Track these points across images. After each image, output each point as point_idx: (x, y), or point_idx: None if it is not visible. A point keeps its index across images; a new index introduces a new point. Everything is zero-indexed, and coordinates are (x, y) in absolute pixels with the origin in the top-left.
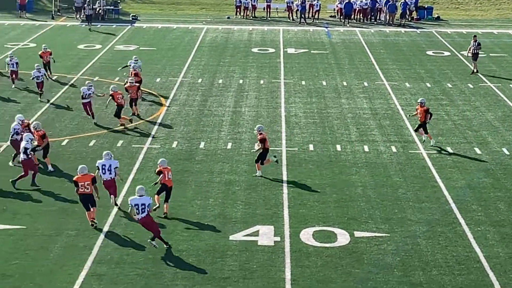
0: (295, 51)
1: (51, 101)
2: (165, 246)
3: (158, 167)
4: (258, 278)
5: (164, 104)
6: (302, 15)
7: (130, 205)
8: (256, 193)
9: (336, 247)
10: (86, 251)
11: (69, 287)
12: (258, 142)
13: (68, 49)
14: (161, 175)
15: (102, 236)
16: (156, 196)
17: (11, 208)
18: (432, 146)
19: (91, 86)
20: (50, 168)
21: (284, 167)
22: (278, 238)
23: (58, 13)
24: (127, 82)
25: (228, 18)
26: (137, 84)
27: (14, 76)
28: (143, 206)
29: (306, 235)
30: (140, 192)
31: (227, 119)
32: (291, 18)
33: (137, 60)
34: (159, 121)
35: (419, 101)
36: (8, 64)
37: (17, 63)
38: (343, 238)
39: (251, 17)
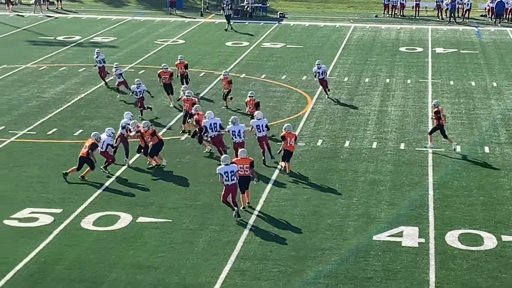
0: (444, 50)
1: (201, 94)
2: (234, 209)
3: (283, 131)
4: (402, 279)
5: (309, 102)
6: (452, 14)
7: (219, 174)
8: (400, 194)
9: (483, 251)
10: (230, 246)
11: (213, 281)
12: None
13: (216, 46)
14: (284, 141)
15: (246, 232)
16: (281, 162)
17: (157, 202)
18: (453, 150)
19: (140, 83)
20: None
21: (430, 168)
22: (422, 240)
23: (206, 10)
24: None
25: (376, 16)
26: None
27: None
28: (232, 173)
29: (452, 238)
30: (226, 161)
31: (373, 118)
32: (440, 17)
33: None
34: (304, 119)
35: (433, 103)
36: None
37: (103, 60)
38: (490, 241)
39: (400, 16)
